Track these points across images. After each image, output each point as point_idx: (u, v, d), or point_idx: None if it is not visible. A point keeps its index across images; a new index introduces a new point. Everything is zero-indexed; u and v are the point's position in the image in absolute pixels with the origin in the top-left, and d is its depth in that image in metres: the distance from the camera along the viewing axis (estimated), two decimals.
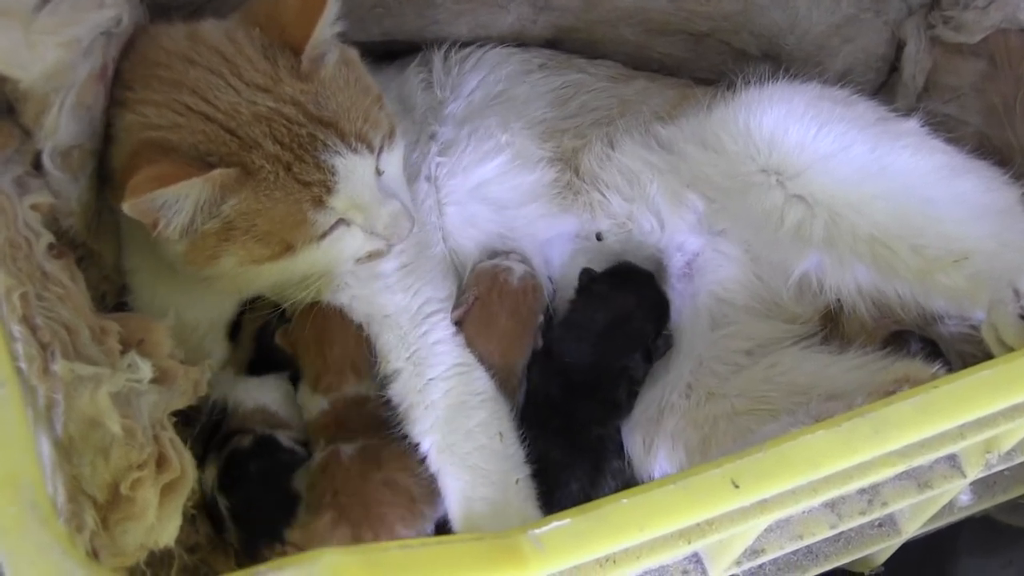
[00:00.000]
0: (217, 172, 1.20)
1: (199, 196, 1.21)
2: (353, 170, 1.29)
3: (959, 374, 1.07)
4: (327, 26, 1.30)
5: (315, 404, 1.46)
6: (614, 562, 1.04)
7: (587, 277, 1.56)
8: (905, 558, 1.55)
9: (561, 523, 0.95)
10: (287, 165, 1.25)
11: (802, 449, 1.01)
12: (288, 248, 1.29)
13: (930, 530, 1.51)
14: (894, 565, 1.55)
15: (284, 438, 1.46)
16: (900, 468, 1.13)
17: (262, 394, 1.48)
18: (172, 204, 1.20)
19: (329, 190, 1.27)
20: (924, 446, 1.10)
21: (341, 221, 1.31)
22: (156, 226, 1.22)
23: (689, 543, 1.05)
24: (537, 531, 0.94)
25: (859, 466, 1.07)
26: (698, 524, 1.04)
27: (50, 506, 0.82)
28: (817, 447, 1.01)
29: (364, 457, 1.40)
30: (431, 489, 1.37)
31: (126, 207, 1.18)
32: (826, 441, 1.01)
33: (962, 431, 1.12)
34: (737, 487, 0.98)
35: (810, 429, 1.02)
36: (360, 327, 1.45)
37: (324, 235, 1.31)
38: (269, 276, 1.34)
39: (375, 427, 1.43)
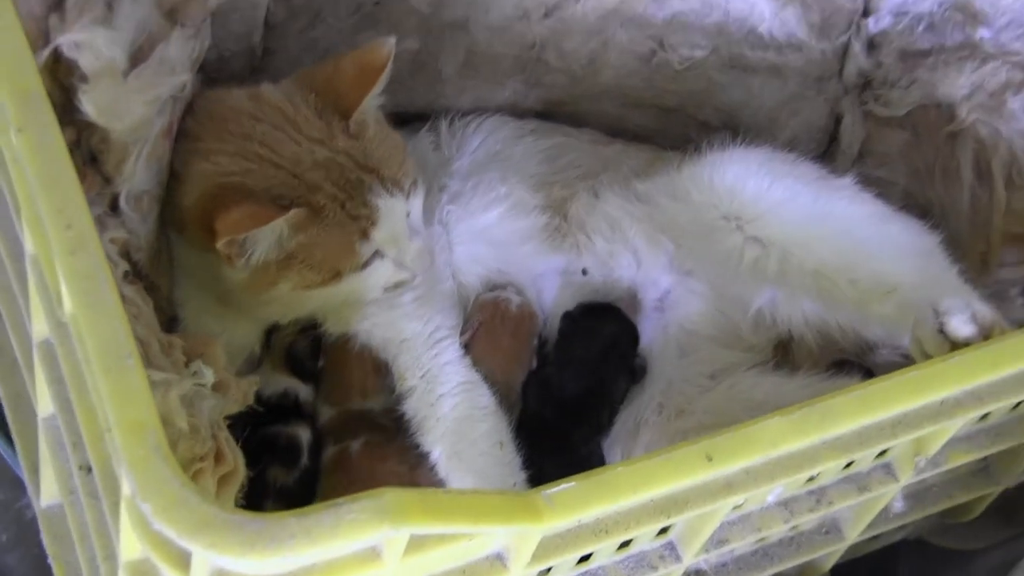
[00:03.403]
0: (294, 212, 1.39)
1: (279, 233, 1.40)
2: (391, 209, 1.48)
3: (892, 374, 1.21)
4: (374, 97, 1.50)
5: (325, 411, 1.62)
6: (607, 531, 1.17)
7: (568, 320, 1.73)
8: None
9: (568, 485, 1.07)
10: (342, 203, 1.44)
11: (763, 431, 1.14)
12: (336, 275, 1.47)
13: (870, 537, 1.64)
14: None
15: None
16: (842, 460, 1.27)
17: (305, 392, 1.63)
18: (255, 240, 1.39)
19: (374, 224, 1.46)
20: (862, 437, 1.24)
21: (377, 253, 1.50)
22: (233, 259, 1.40)
23: (668, 517, 1.18)
24: (549, 491, 1.06)
25: (808, 452, 1.21)
26: (675, 497, 1.17)
27: (169, 449, 0.96)
28: (776, 428, 1.14)
29: (370, 452, 1.55)
30: (431, 482, 1.52)
31: (220, 244, 1.36)
32: (783, 424, 1.14)
33: (894, 429, 1.26)
34: (710, 459, 1.11)
35: (769, 416, 1.15)
36: (376, 352, 1.61)
37: (365, 264, 1.50)
38: (315, 300, 1.53)
39: (376, 429, 1.58)
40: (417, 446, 1.56)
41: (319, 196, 1.44)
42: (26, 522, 1.70)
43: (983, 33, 1.80)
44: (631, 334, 1.72)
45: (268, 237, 1.41)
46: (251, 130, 1.47)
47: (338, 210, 1.45)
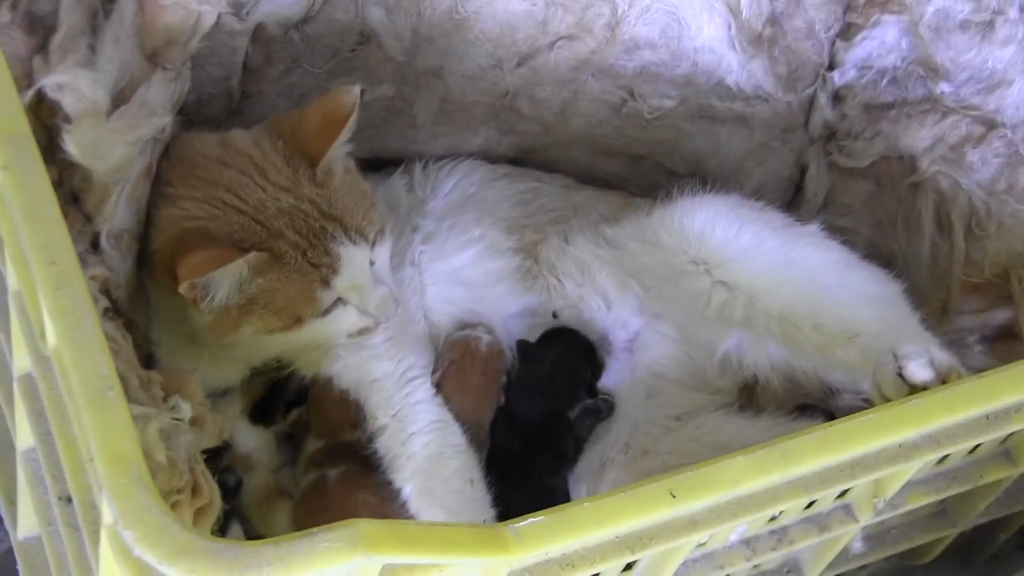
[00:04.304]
0: (253, 255, 1.42)
1: (238, 276, 1.43)
2: (353, 258, 1.50)
3: (851, 416, 1.25)
4: (340, 145, 1.52)
5: (313, 444, 1.64)
6: (573, 565, 1.18)
7: (523, 347, 1.77)
8: None
9: (536, 519, 1.10)
10: (303, 251, 1.47)
11: (726, 469, 1.17)
12: (297, 321, 1.50)
13: None
14: None
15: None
16: (803, 500, 1.29)
17: (248, 441, 1.66)
18: (216, 282, 1.41)
19: (335, 272, 1.49)
20: (822, 478, 1.26)
21: (340, 300, 1.52)
22: (197, 302, 1.42)
23: (633, 553, 1.20)
24: (517, 525, 1.09)
25: (770, 491, 1.23)
26: (639, 534, 1.19)
27: (150, 478, 0.99)
28: (738, 467, 1.17)
29: (346, 480, 1.57)
30: (401, 516, 1.54)
31: (182, 287, 1.39)
32: (745, 463, 1.17)
33: (853, 470, 1.28)
34: (674, 497, 1.14)
35: (732, 455, 1.18)
36: (348, 392, 1.63)
37: (327, 311, 1.51)
38: (277, 345, 1.56)
39: (358, 460, 1.60)
40: (390, 482, 1.59)
41: (280, 242, 1.47)
42: (0, 555, 1.71)
43: (944, 88, 1.84)
44: (579, 353, 1.77)
45: (228, 280, 1.43)
46: (219, 176, 1.50)
47: (299, 257, 1.47)
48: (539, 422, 1.71)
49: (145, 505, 0.99)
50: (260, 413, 1.69)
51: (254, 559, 0.97)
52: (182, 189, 1.50)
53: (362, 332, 1.59)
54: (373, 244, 1.55)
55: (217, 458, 1.59)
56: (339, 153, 1.55)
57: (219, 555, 0.97)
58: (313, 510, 1.57)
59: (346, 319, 1.56)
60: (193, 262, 1.40)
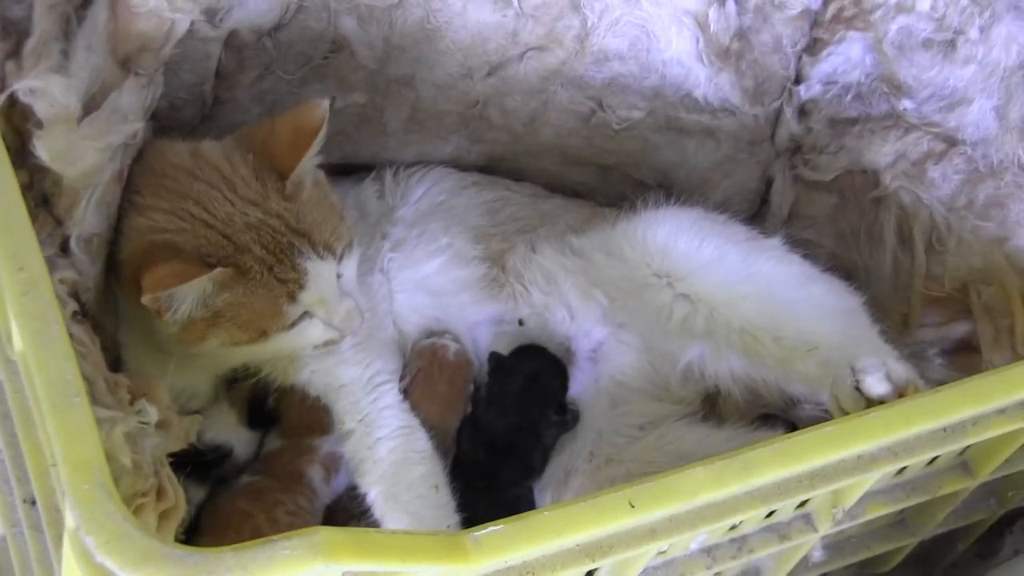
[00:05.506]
0: (218, 271, 1.42)
1: (202, 291, 1.43)
2: (320, 272, 1.51)
3: (809, 429, 1.27)
4: (309, 159, 1.53)
5: (272, 444, 1.66)
6: (533, 573, 1.19)
7: (495, 360, 1.78)
8: None
9: (495, 528, 1.12)
10: (270, 266, 1.47)
11: (685, 480, 1.18)
12: (263, 334, 1.51)
13: None
14: None
15: None
16: (762, 510, 1.31)
17: (245, 447, 1.67)
18: (180, 296, 1.42)
19: (301, 287, 1.50)
20: (781, 488, 1.28)
21: (306, 314, 1.53)
22: (161, 313, 1.43)
23: (593, 561, 1.21)
24: (477, 533, 1.11)
25: (730, 501, 1.25)
26: (599, 542, 1.20)
27: (113, 485, 1.01)
28: (697, 478, 1.18)
29: (248, 489, 1.57)
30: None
31: (146, 299, 1.39)
32: (704, 474, 1.18)
33: (812, 481, 1.30)
34: (633, 507, 1.15)
35: (691, 466, 1.19)
36: (318, 398, 1.64)
37: (293, 325, 1.52)
38: (243, 356, 1.57)
39: (283, 476, 1.60)
40: (297, 504, 1.59)
41: (247, 258, 1.47)
42: None
43: (907, 104, 1.87)
44: (553, 370, 1.78)
45: (192, 294, 1.44)
46: (188, 188, 1.50)
47: (265, 272, 1.47)
48: (505, 433, 1.72)
49: (107, 512, 1.00)
50: (251, 420, 1.69)
51: (215, 565, 0.99)
52: (151, 199, 1.50)
53: (328, 344, 1.60)
54: (340, 258, 1.56)
55: (217, 466, 1.63)
56: (308, 166, 1.55)
57: (180, 561, 0.98)
58: (206, 510, 1.56)
59: (312, 332, 1.57)
60: (157, 276, 1.40)
